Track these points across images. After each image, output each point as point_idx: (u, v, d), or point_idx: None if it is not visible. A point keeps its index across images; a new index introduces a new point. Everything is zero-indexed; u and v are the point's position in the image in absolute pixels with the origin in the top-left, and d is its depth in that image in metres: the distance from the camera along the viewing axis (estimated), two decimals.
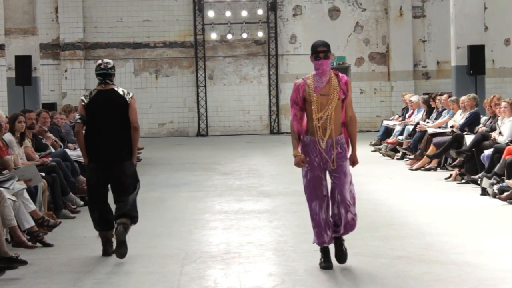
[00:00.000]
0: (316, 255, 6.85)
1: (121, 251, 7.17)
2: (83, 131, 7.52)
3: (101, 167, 7.46)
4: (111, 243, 7.49)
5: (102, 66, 7.55)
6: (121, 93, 7.54)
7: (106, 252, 7.50)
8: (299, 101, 6.58)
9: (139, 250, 7.68)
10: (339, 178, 6.58)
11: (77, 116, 7.60)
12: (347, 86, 6.61)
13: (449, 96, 15.58)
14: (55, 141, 11.65)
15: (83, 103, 7.51)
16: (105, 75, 7.53)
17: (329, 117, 6.52)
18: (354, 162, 6.72)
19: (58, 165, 10.04)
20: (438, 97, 15.88)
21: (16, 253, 7.09)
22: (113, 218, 7.48)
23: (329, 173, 6.64)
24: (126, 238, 7.25)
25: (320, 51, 6.56)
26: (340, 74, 6.67)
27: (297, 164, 6.61)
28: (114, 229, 7.34)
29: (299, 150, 6.63)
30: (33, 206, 8.17)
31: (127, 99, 7.49)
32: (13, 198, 7.78)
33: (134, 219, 7.51)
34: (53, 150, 11.04)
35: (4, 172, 8.45)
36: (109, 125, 7.44)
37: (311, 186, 6.62)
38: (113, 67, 7.60)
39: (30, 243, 7.70)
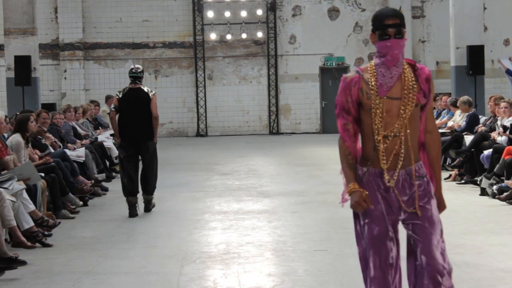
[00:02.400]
0: (315, 255, 6.83)
1: (148, 209, 10.04)
2: (117, 118, 9.93)
3: (130, 145, 9.87)
4: (135, 207, 9.77)
5: (134, 70, 10.03)
6: (146, 90, 9.97)
7: (131, 214, 9.71)
8: (351, 107, 4.06)
9: (139, 250, 7.68)
10: (423, 228, 4.02)
11: (112, 106, 10.06)
12: (429, 84, 4.08)
13: (449, 97, 15.57)
14: (54, 141, 11.65)
15: (117, 97, 9.99)
16: (135, 77, 9.99)
17: (403, 135, 4.01)
18: (440, 205, 4.22)
19: (57, 165, 10.03)
20: (437, 97, 15.89)
21: (16, 253, 7.08)
22: (137, 187, 9.89)
23: (404, 223, 4.09)
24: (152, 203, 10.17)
25: (389, 25, 3.98)
26: (418, 65, 4.12)
27: (357, 204, 3.97)
28: (136, 196, 9.85)
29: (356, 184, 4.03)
30: (32, 207, 8.17)
31: (150, 95, 9.91)
32: (13, 198, 7.78)
33: (153, 190, 10.07)
34: (52, 151, 11.03)
35: (3, 172, 8.45)
36: (136, 114, 9.84)
37: (372, 250, 4.04)
38: (142, 71, 10.10)
39: (29, 243, 7.69)
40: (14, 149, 9.33)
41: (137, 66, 10.14)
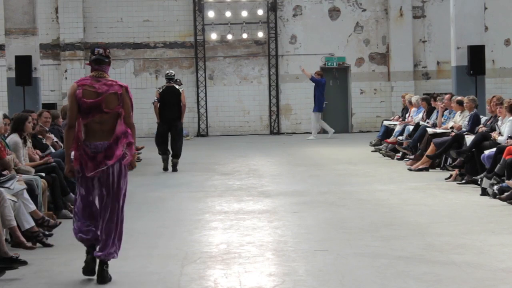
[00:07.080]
0: (316, 255, 6.84)
1: (175, 169, 14.66)
2: (158, 106, 14.70)
3: (165, 123, 14.65)
4: (167, 162, 14.67)
5: (169, 74, 14.85)
6: (177, 87, 14.78)
7: (165, 167, 14.71)
8: None
9: (139, 250, 7.67)
10: None
11: (155, 98, 14.77)
12: None
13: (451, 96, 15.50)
14: (56, 141, 11.65)
15: (159, 91, 14.74)
16: (170, 79, 14.75)
17: None
18: None
19: (58, 165, 10.02)
20: (438, 97, 15.86)
21: (16, 253, 7.08)
22: (168, 150, 14.71)
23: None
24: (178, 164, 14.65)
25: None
26: None
27: None
28: (169, 159, 14.70)
29: None
30: (33, 206, 8.16)
31: (180, 91, 14.69)
32: (13, 198, 7.78)
33: (179, 156, 14.74)
34: (53, 151, 11.04)
35: (4, 172, 8.44)
36: (170, 103, 14.59)
37: None
38: (174, 75, 14.97)
39: (29, 244, 7.67)
40: (12, 149, 9.32)
41: (170, 71, 14.99)
